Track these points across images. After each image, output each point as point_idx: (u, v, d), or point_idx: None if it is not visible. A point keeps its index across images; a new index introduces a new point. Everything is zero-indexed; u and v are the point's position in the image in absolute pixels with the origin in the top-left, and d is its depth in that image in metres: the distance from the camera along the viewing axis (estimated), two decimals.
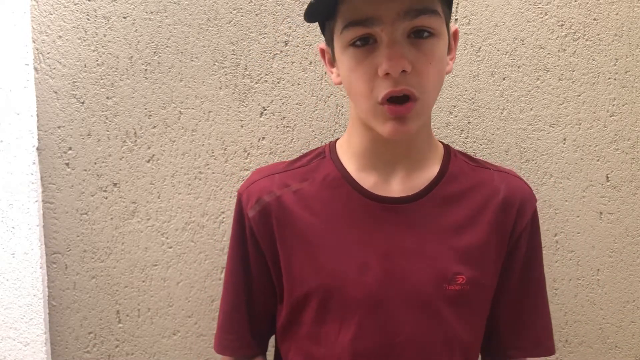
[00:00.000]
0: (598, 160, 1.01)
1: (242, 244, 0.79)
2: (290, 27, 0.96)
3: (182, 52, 0.95)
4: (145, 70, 0.94)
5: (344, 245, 0.74)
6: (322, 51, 0.76)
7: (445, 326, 0.74)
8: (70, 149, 0.94)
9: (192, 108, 0.96)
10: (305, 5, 0.70)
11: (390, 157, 0.75)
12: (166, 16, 0.94)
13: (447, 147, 0.80)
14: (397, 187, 0.75)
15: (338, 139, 0.82)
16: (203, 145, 0.97)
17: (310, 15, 0.68)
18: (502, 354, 0.81)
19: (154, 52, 0.94)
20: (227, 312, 0.82)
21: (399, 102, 0.66)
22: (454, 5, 0.97)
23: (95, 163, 0.95)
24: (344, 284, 0.73)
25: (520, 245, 0.78)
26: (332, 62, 0.74)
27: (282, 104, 0.97)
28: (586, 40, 0.99)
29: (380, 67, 0.64)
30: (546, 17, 0.98)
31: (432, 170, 0.76)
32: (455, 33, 0.74)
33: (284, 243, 0.76)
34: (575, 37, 0.99)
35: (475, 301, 0.75)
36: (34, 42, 0.92)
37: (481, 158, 0.84)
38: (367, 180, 0.75)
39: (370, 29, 0.64)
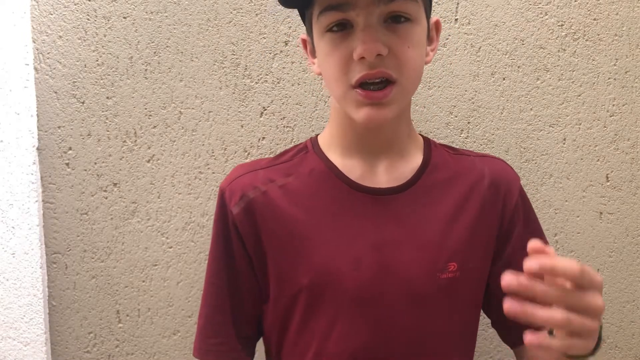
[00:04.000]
0: (598, 160, 1.01)
1: (226, 242, 0.77)
2: (290, 27, 0.96)
3: (182, 52, 0.95)
4: (145, 70, 0.94)
5: (335, 239, 0.73)
6: (304, 41, 0.76)
7: (440, 315, 0.73)
8: (70, 149, 0.94)
9: (192, 108, 0.96)
10: None
11: (372, 147, 0.75)
12: (166, 16, 0.94)
13: (426, 139, 0.81)
14: (382, 177, 0.75)
15: (318, 134, 0.81)
16: (203, 145, 0.97)
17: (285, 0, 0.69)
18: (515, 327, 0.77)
19: (154, 52, 0.94)
20: (209, 315, 0.78)
21: (377, 87, 0.66)
22: (454, 5, 0.97)
23: (95, 163, 0.95)
24: (338, 279, 0.72)
25: (514, 225, 0.78)
26: (313, 53, 0.73)
27: (282, 104, 0.97)
28: (586, 40, 0.99)
29: (355, 50, 0.64)
30: (546, 17, 0.98)
31: (415, 160, 0.77)
32: (437, 24, 0.74)
33: (271, 240, 0.74)
34: (575, 37, 0.99)
35: (467, 287, 0.75)
36: (34, 42, 0.92)
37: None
38: (353, 171, 0.75)
39: (345, 14, 0.64)
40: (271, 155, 0.96)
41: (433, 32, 0.73)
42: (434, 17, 0.73)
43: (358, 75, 0.65)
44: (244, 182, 0.76)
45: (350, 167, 0.75)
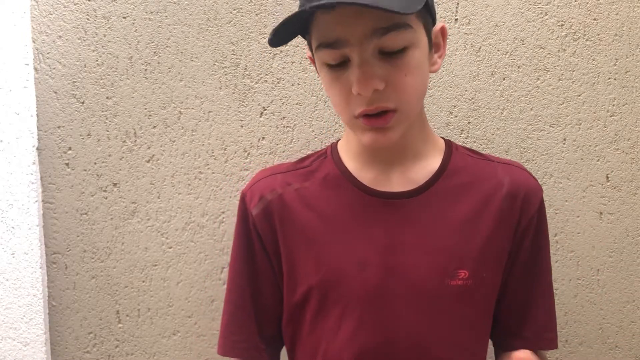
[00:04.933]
0: (598, 160, 1.01)
1: (247, 243, 0.79)
2: None
3: (182, 52, 0.95)
4: (145, 70, 0.94)
5: (345, 241, 0.74)
6: (311, 59, 0.76)
7: (448, 322, 0.73)
8: (70, 149, 0.94)
9: (192, 108, 0.96)
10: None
11: (386, 154, 0.76)
12: (166, 16, 0.94)
13: (448, 142, 0.80)
14: (397, 182, 0.75)
15: (340, 139, 0.82)
16: (203, 145, 0.97)
17: (274, 42, 0.67)
18: (507, 344, 0.81)
19: (154, 52, 0.94)
20: (233, 312, 0.81)
21: (377, 115, 0.67)
22: (454, 5, 0.97)
23: (95, 163, 0.95)
24: (344, 280, 0.73)
25: (526, 238, 0.77)
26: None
27: (282, 104, 0.97)
28: (586, 40, 0.99)
29: (353, 87, 0.65)
30: (546, 17, 0.98)
31: (433, 164, 0.76)
32: (443, 30, 0.72)
33: (286, 241, 0.76)
34: (575, 37, 0.99)
35: (478, 297, 0.75)
36: (34, 42, 0.92)
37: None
38: (366, 176, 0.76)
39: (340, 51, 0.65)
40: (271, 156, 0.97)
41: (439, 39, 0.72)
42: (439, 24, 0.72)
43: (359, 109, 0.67)
44: (263, 185, 0.79)
45: (363, 172, 0.76)
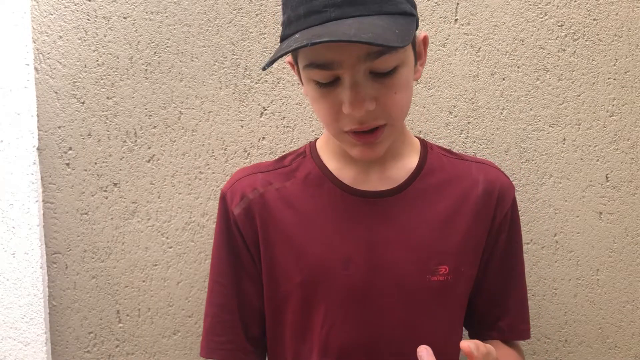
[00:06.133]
0: (598, 160, 1.01)
1: (230, 243, 0.79)
2: None
3: (182, 52, 0.95)
4: (146, 70, 0.95)
5: (327, 240, 0.75)
6: (291, 64, 0.73)
7: (429, 316, 0.75)
8: (70, 149, 0.94)
9: (192, 108, 0.96)
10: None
11: None
12: (166, 16, 0.94)
13: (423, 142, 0.82)
14: (376, 181, 0.76)
15: (318, 138, 0.82)
16: (203, 145, 0.97)
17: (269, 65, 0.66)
18: (483, 335, 0.84)
19: (154, 52, 0.94)
20: (216, 314, 0.79)
21: (367, 131, 0.67)
22: (454, 5, 0.97)
23: (96, 163, 0.95)
24: (328, 279, 0.74)
25: (500, 234, 0.80)
26: (302, 79, 0.72)
27: (282, 104, 0.97)
28: (586, 40, 0.99)
29: (344, 106, 0.65)
30: (546, 17, 0.99)
31: (410, 163, 0.78)
32: (425, 40, 0.72)
33: (267, 240, 0.77)
34: (575, 37, 0.99)
35: (457, 291, 0.77)
36: (34, 42, 0.92)
37: (460, 151, 0.84)
38: (346, 175, 0.77)
39: (331, 72, 0.64)
40: (271, 156, 0.97)
41: (421, 47, 0.72)
42: (421, 33, 0.71)
43: (349, 127, 0.67)
44: (243, 184, 0.79)
45: (344, 171, 0.77)
